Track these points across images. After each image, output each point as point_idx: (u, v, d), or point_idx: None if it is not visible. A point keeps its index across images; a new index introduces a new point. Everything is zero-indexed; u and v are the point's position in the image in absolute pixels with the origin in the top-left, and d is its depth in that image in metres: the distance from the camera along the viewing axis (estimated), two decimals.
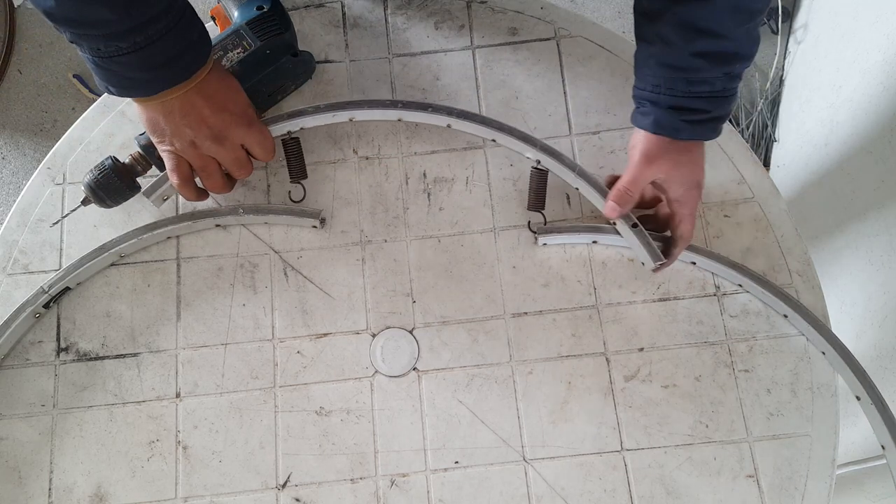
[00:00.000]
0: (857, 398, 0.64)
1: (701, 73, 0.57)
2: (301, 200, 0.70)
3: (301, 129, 0.68)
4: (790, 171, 1.40)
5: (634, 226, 0.64)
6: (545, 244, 0.69)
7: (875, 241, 1.02)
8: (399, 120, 0.70)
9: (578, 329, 0.67)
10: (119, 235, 0.67)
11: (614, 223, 0.65)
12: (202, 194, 0.66)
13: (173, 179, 0.62)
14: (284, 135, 0.68)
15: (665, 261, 0.64)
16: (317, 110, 0.67)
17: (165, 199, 0.67)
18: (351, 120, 0.69)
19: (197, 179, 0.65)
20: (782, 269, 0.69)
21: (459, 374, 0.66)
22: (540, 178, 0.68)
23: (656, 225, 0.68)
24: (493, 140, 0.69)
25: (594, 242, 0.69)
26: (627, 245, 0.68)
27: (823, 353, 0.66)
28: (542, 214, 0.69)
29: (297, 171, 0.69)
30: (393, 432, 0.65)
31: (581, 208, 0.71)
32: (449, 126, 0.69)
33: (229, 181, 0.66)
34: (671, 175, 0.62)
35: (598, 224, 0.68)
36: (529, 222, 0.70)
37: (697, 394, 0.66)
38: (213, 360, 0.67)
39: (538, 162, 0.67)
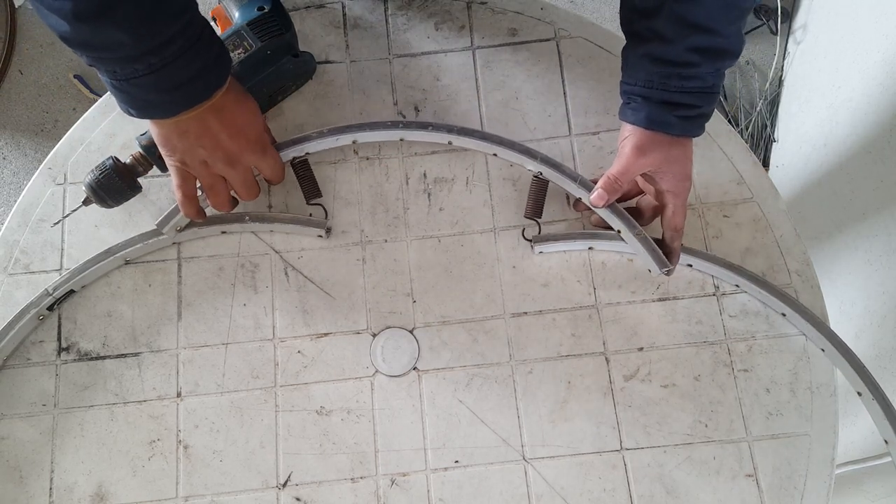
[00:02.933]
0: (859, 394, 0.65)
1: (694, 69, 0.59)
2: (329, 231, 0.70)
3: (306, 153, 0.68)
4: (789, 172, 1.40)
5: (639, 234, 0.64)
6: (541, 252, 0.69)
7: (874, 241, 1.02)
8: (401, 140, 0.70)
9: (578, 329, 0.68)
10: (125, 240, 0.67)
11: (619, 231, 0.65)
12: (202, 213, 0.65)
13: (178, 195, 0.62)
14: (290, 160, 0.68)
15: (671, 266, 0.64)
16: (320, 135, 0.67)
17: (179, 231, 0.68)
18: (354, 142, 0.70)
19: (201, 196, 0.65)
20: (781, 270, 0.69)
21: (459, 374, 0.67)
22: (540, 187, 0.68)
23: (639, 218, 0.68)
24: (495, 154, 0.69)
25: (590, 249, 0.69)
26: (622, 250, 0.68)
27: (823, 350, 0.66)
28: (538, 223, 0.69)
29: (311, 191, 0.69)
30: (393, 432, 0.65)
31: (574, 200, 0.71)
32: (450, 143, 0.69)
33: (234, 201, 0.66)
34: (663, 168, 0.62)
35: (594, 230, 0.69)
36: (524, 230, 0.70)
37: (697, 393, 0.66)
38: (214, 360, 0.67)
39: (540, 173, 0.67)
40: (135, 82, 0.52)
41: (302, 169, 0.69)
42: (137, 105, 0.55)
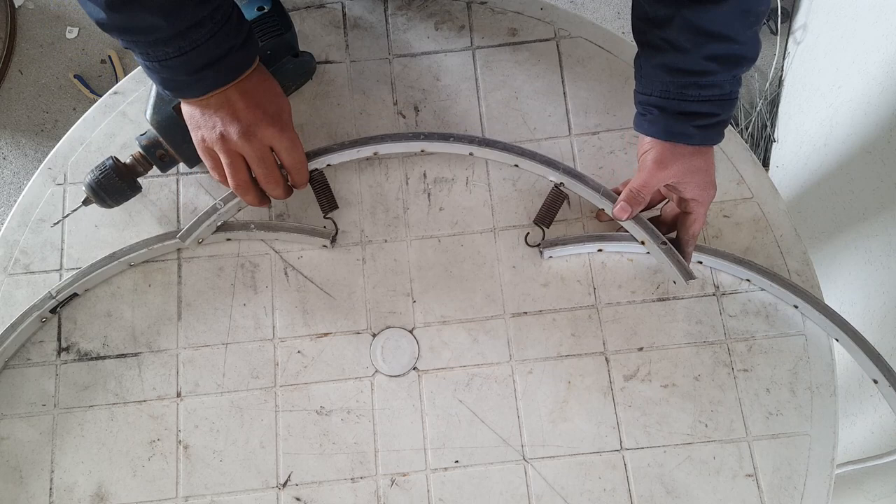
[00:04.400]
0: (875, 381, 0.64)
1: (712, 77, 0.58)
2: (336, 235, 0.69)
3: (328, 165, 0.68)
4: (789, 172, 1.40)
5: (664, 244, 0.64)
6: (551, 257, 0.69)
7: (874, 241, 1.02)
8: (422, 151, 0.71)
9: (578, 329, 0.67)
10: (129, 245, 0.67)
11: (643, 242, 0.65)
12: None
13: (206, 162, 0.62)
14: (312, 171, 0.67)
15: (696, 278, 0.64)
16: (342, 147, 0.67)
17: (200, 242, 0.68)
18: (375, 154, 0.70)
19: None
20: (781, 270, 0.69)
21: (459, 374, 0.67)
22: (557, 197, 0.68)
23: (665, 227, 0.68)
24: (516, 165, 0.69)
25: (599, 251, 0.69)
26: (631, 251, 0.68)
27: (837, 339, 0.66)
28: (543, 230, 0.69)
29: (328, 203, 0.69)
30: (393, 432, 0.65)
31: (581, 208, 0.71)
32: (471, 154, 0.69)
33: (264, 195, 0.64)
34: (685, 179, 0.62)
35: (601, 233, 0.68)
36: (528, 234, 0.70)
37: (697, 393, 0.66)
38: (214, 360, 0.67)
39: (561, 184, 0.67)
40: (166, 64, 0.54)
41: (319, 181, 0.68)
42: (168, 85, 0.57)
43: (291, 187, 0.66)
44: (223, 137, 0.59)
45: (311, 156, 0.67)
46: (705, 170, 0.62)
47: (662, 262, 0.65)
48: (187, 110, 0.60)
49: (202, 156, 0.61)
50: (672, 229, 0.67)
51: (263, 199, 0.65)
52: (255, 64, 0.59)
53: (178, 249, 0.70)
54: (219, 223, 0.67)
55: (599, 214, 0.70)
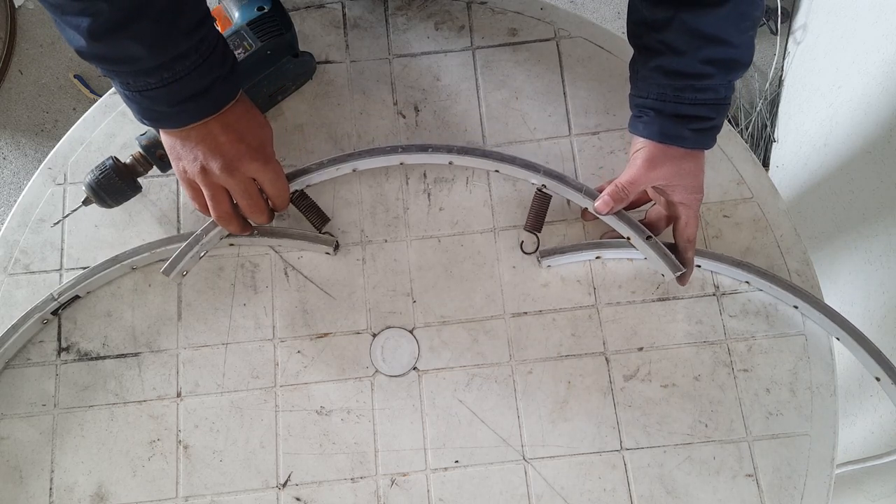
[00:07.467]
0: (877, 379, 0.64)
1: (708, 81, 0.58)
2: (338, 245, 0.69)
3: (308, 185, 0.68)
4: (789, 172, 1.40)
5: (648, 238, 0.64)
6: (549, 266, 0.69)
7: (874, 241, 1.02)
8: (401, 164, 0.70)
9: (578, 329, 0.68)
10: (132, 248, 0.67)
11: (628, 238, 0.65)
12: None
13: (187, 192, 0.62)
14: (292, 192, 0.67)
15: (684, 270, 0.64)
16: (320, 166, 0.67)
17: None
18: (354, 170, 0.69)
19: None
20: (781, 269, 0.69)
21: (459, 374, 0.67)
22: (542, 201, 0.68)
23: (653, 230, 0.68)
24: (497, 171, 0.69)
25: (597, 258, 0.69)
26: (630, 257, 0.68)
27: (838, 338, 0.66)
28: (537, 236, 0.69)
29: (319, 219, 0.69)
30: (393, 432, 0.65)
31: (581, 208, 0.71)
32: (450, 163, 0.69)
33: (242, 219, 0.64)
34: (674, 181, 0.62)
35: (600, 240, 0.68)
36: (522, 243, 0.70)
37: (697, 393, 0.66)
38: (214, 360, 0.67)
39: (543, 186, 0.67)
40: (147, 94, 0.53)
41: (302, 201, 0.68)
42: (148, 115, 0.56)
43: (273, 211, 0.65)
44: (205, 170, 0.59)
45: (290, 178, 0.65)
46: (694, 174, 0.62)
47: (650, 257, 0.65)
48: (167, 140, 0.59)
49: (183, 186, 0.61)
50: (657, 231, 0.67)
51: (245, 226, 0.64)
52: (238, 95, 0.59)
53: None
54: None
55: (584, 213, 0.70)
